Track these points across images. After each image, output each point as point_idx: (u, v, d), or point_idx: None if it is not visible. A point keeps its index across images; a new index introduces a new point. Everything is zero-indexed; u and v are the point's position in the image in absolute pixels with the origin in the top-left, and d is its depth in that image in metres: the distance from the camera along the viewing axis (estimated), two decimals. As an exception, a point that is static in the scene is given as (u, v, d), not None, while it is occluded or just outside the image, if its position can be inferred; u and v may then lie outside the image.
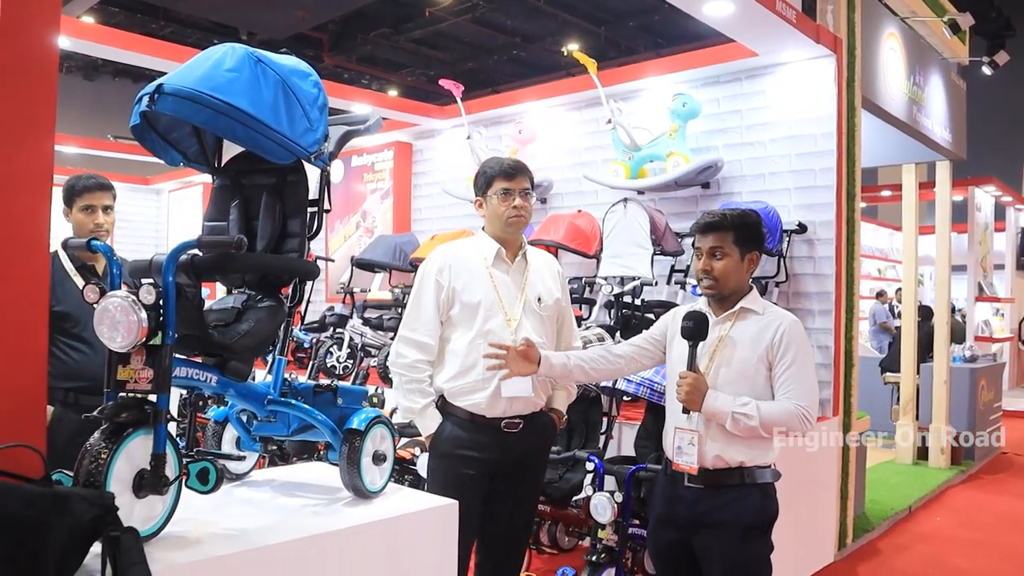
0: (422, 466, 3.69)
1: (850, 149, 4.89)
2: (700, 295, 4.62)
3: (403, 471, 4.07)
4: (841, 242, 4.79)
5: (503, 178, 2.97)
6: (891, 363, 8.43)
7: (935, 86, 6.85)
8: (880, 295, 12.51)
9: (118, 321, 1.63)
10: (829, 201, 4.80)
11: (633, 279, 4.82)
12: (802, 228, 4.80)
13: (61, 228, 3.20)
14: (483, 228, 3.11)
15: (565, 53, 13.65)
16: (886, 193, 10.89)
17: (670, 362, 2.87)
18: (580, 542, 4.39)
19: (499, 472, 2.95)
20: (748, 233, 2.72)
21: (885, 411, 8.14)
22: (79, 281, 3.12)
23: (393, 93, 14.46)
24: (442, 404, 2.96)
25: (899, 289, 9.01)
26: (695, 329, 2.69)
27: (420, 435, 3.27)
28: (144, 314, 1.63)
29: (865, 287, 11.57)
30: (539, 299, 3.05)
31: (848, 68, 4.90)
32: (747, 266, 2.73)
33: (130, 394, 1.68)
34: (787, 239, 4.79)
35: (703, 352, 2.75)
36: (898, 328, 8.81)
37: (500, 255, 3.01)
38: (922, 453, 7.50)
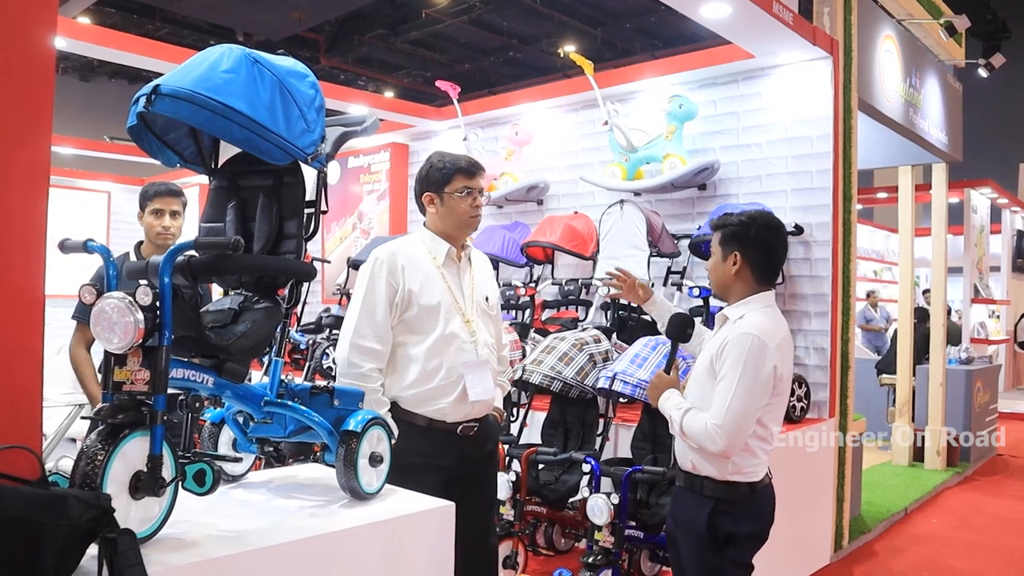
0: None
1: (846, 151, 4.89)
2: (695, 296, 4.66)
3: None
4: (837, 244, 4.79)
5: (464, 176, 2.88)
6: (887, 365, 8.45)
7: (931, 88, 6.87)
8: (869, 296, 12.51)
9: (114, 322, 1.63)
10: (825, 203, 4.80)
11: (630, 281, 4.82)
12: (798, 230, 4.80)
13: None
14: (424, 225, 2.97)
15: (561, 55, 13.69)
16: (882, 195, 10.91)
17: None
18: (576, 544, 4.39)
19: (455, 477, 2.82)
20: (728, 233, 2.71)
21: (881, 413, 8.16)
22: (141, 280, 3.17)
23: (389, 94, 14.47)
24: (395, 413, 2.79)
25: (926, 291, 9.06)
26: (673, 331, 2.83)
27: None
28: (141, 315, 1.62)
29: (861, 289, 11.59)
30: (487, 298, 3.02)
31: (845, 70, 4.91)
32: (730, 267, 2.71)
33: (127, 395, 1.67)
34: (783, 241, 4.79)
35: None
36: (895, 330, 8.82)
37: (450, 255, 2.92)
38: (918, 455, 7.52)
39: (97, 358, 3.69)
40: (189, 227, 3.43)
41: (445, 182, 2.88)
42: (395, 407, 2.81)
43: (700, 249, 4.76)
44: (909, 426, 7.36)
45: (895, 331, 8.48)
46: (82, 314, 3.66)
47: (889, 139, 6.30)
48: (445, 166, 2.89)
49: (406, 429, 2.75)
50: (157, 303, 1.66)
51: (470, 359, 2.85)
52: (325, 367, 5.63)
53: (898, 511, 5.99)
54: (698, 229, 4.96)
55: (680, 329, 2.81)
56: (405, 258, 2.84)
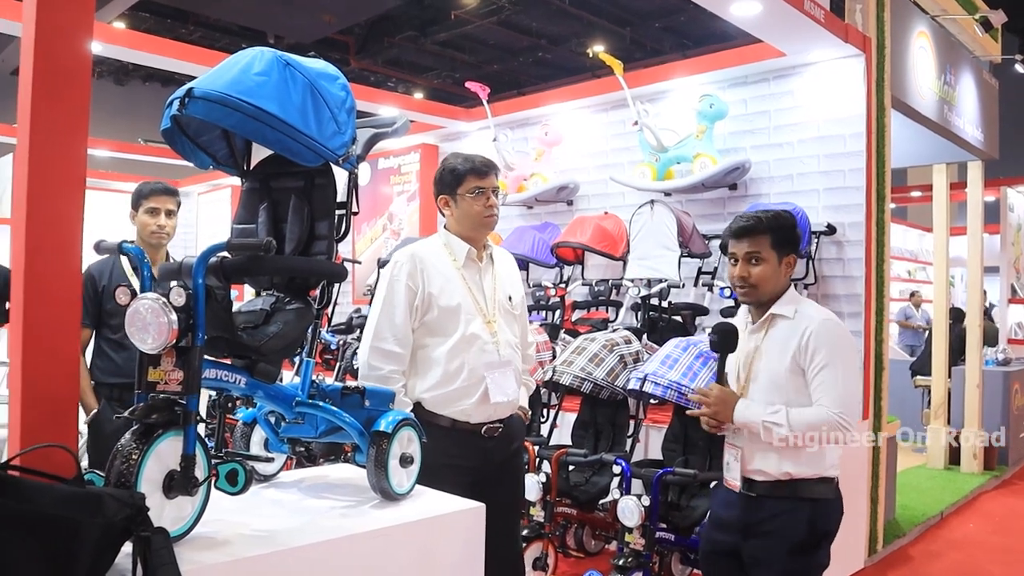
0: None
1: (880, 149, 4.83)
2: (726, 296, 4.61)
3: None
4: (870, 244, 4.73)
5: (476, 176, 2.87)
6: (922, 366, 8.33)
7: (966, 85, 6.76)
8: (912, 295, 12.35)
9: (148, 323, 1.65)
10: (858, 202, 4.74)
11: (660, 281, 4.80)
12: (831, 230, 4.75)
13: (127, 231, 3.34)
14: (445, 227, 2.98)
15: (590, 55, 13.64)
16: (916, 194, 10.77)
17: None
18: (607, 546, 4.38)
19: (481, 479, 2.80)
20: (785, 236, 2.64)
21: (916, 415, 8.05)
22: (135, 282, 3.18)
23: (419, 96, 14.52)
24: (418, 414, 2.72)
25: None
26: (721, 341, 2.67)
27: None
28: (174, 316, 1.64)
29: (895, 289, 11.43)
30: (510, 298, 3.00)
31: (877, 67, 4.85)
32: (784, 270, 2.66)
33: (160, 395, 1.69)
34: (816, 241, 4.74)
35: (742, 364, 2.73)
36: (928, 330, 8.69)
37: (471, 255, 2.91)
38: (954, 458, 7.39)
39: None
40: (223, 228, 3.44)
41: (457, 183, 2.88)
42: (418, 408, 2.81)
43: (731, 249, 4.72)
44: (945, 428, 7.25)
45: (930, 332, 8.36)
46: None
47: (923, 137, 6.21)
48: (456, 168, 2.89)
49: (430, 431, 2.70)
50: (191, 304, 1.68)
51: (492, 360, 2.84)
52: (356, 367, 5.66)
53: (934, 515, 5.89)
54: (729, 229, 4.92)
55: (729, 339, 2.68)
56: (424, 261, 2.85)
